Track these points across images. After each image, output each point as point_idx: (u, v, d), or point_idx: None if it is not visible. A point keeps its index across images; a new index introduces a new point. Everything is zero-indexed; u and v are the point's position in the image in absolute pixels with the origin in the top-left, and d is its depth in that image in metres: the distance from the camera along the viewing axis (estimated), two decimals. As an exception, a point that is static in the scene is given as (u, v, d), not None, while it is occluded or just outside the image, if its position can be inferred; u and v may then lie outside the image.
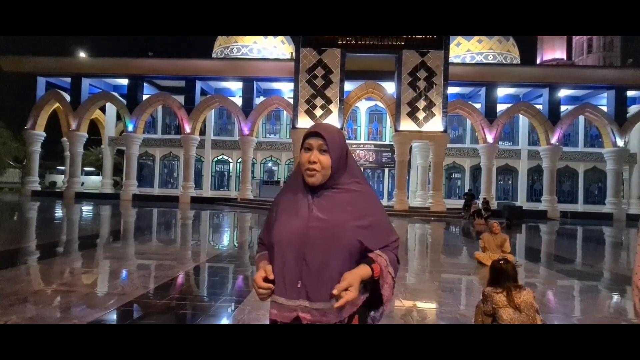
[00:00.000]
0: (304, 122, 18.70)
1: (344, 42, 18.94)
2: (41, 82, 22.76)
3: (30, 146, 22.79)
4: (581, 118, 22.58)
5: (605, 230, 14.83)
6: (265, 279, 1.16)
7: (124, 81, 22.72)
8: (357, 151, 23.88)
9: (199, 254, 7.04)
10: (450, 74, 18.95)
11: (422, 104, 18.65)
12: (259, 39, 25.72)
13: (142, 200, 21.62)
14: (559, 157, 21.00)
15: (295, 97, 19.05)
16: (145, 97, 22.53)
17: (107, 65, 22.32)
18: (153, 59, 22.54)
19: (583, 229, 14.81)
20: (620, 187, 22.46)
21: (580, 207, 23.50)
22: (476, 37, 25.80)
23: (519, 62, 27.04)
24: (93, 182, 30.51)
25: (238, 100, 22.19)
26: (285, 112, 23.95)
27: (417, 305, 4.11)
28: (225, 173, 25.95)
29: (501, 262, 2.68)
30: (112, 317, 3.41)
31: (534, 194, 24.18)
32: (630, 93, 21.12)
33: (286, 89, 22.57)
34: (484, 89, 21.12)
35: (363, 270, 1.13)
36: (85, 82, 22.59)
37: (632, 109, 21.86)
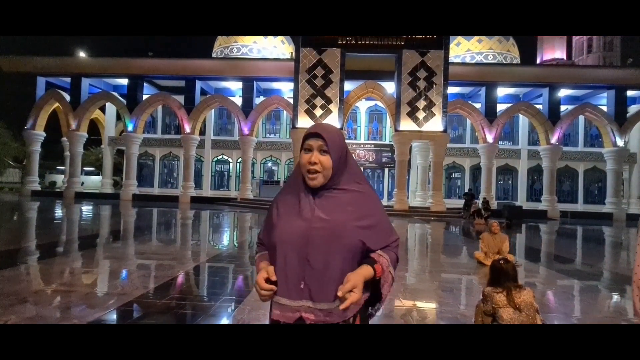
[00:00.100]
0: (304, 122, 18.70)
1: (344, 42, 18.94)
2: (41, 82, 22.75)
3: (30, 146, 22.78)
4: (581, 118, 22.58)
5: (605, 230, 14.83)
6: (268, 280, 1.15)
7: (124, 81, 22.71)
8: (357, 151, 23.88)
9: (199, 253, 7.04)
10: (450, 73, 18.95)
11: (422, 103, 18.65)
12: (259, 38, 25.71)
13: (142, 200, 21.62)
14: (559, 157, 21.01)
15: (295, 97, 19.05)
16: (145, 97, 22.53)
17: (107, 65, 22.32)
18: (153, 59, 22.54)
19: (583, 229, 14.81)
20: (620, 187, 22.46)
21: (580, 206, 23.50)
22: (476, 37, 25.80)
23: (519, 62, 27.04)
24: (93, 182, 30.51)
25: (238, 100, 22.19)
26: (285, 112, 23.95)
27: (417, 305, 4.11)
28: (225, 173, 25.95)
29: (501, 261, 2.68)
30: (112, 317, 3.42)
31: (534, 193, 24.18)
32: (630, 93, 21.12)
33: (286, 88, 22.56)
34: (484, 89, 21.13)
35: (366, 271, 1.14)
36: (85, 82, 22.59)
37: (632, 109, 21.86)
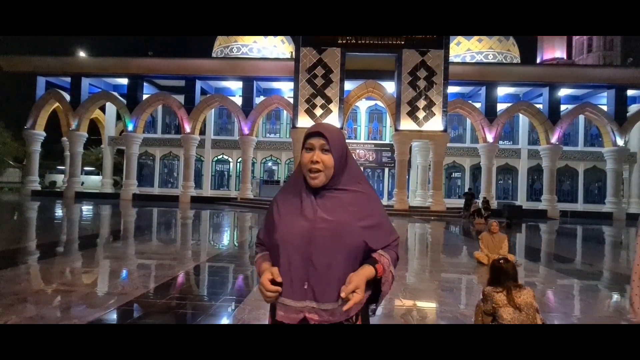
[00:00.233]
0: (304, 122, 18.70)
1: (344, 42, 18.93)
2: (41, 81, 22.75)
3: (30, 146, 22.78)
4: (581, 117, 22.57)
5: (605, 230, 14.83)
6: (272, 281, 1.15)
7: (124, 81, 22.71)
8: (357, 151, 23.88)
9: (199, 253, 7.04)
10: (450, 73, 18.94)
11: (422, 103, 18.64)
12: (259, 38, 25.69)
13: (142, 199, 21.62)
14: (559, 157, 21.00)
15: (295, 97, 19.04)
16: (145, 96, 22.53)
17: (107, 65, 22.31)
18: (153, 59, 22.53)
19: (583, 229, 14.82)
20: (620, 187, 22.46)
21: (580, 206, 23.50)
22: (476, 37, 25.78)
23: (519, 62, 27.02)
24: (93, 182, 30.52)
25: (238, 100, 22.18)
26: (285, 112, 23.95)
27: (417, 304, 4.11)
28: (225, 172, 25.95)
29: (501, 261, 2.68)
30: (112, 316, 3.42)
31: (534, 193, 24.18)
32: (630, 92, 21.12)
33: (286, 88, 22.56)
34: (484, 88, 21.12)
35: (368, 271, 1.14)
36: (85, 82, 22.59)
37: (632, 108, 21.86)
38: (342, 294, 1.07)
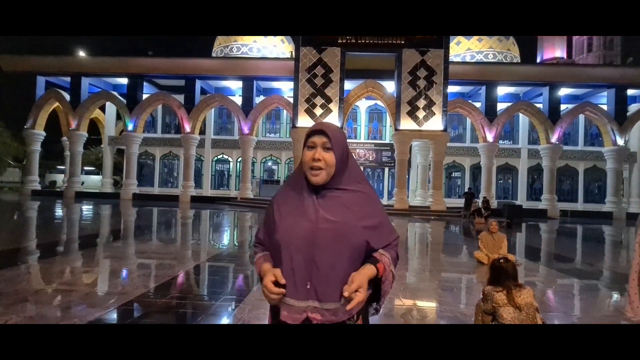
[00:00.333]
0: (304, 121, 18.70)
1: (343, 41, 18.92)
2: (41, 81, 22.75)
3: (30, 145, 22.78)
4: (581, 117, 22.57)
5: (605, 229, 14.83)
6: (276, 283, 1.15)
7: (124, 80, 22.70)
8: (357, 150, 23.87)
9: (199, 253, 7.04)
10: (450, 72, 18.93)
11: (422, 102, 18.64)
12: (259, 38, 25.67)
13: (142, 199, 21.63)
14: (559, 156, 21.01)
15: (295, 96, 19.04)
16: (145, 96, 22.52)
17: (107, 65, 22.31)
18: (153, 58, 22.53)
19: (583, 228, 14.82)
20: (620, 186, 22.46)
21: (580, 205, 23.50)
22: (476, 36, 25.77)
23: (519, 61, 27.01)
24: (93, 182, 30.53)
25: (238, 100, 22.18)
26: (285, 111, 23.94)
27: (417, 304, 4.11)
28: (225, 172, 25.96)
29: (501, 260, 2.68)
30: (113, 316, 3.42)
31: (534, 192, 24.18)
32: (630, 92, 21.12)
33: (286, 88, 22.55)
34: (484, 88, 21.12)
35: (370, 270, 1.15)
36: (85, 82, 22.58)
37: (632, 108, 21.85)
38: (345, 294, 1.08)
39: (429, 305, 4.17)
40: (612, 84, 20.66)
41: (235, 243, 8.68)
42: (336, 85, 18.80)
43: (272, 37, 25.88)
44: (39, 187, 23.68)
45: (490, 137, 20.35)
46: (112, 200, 20.86)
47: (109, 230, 9.86)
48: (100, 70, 22.50)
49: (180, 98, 21.79)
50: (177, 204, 20.03)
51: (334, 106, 18.77)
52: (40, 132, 22.59)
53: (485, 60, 25.77)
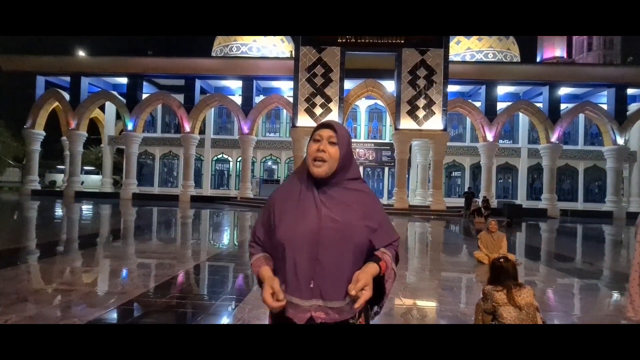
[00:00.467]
0: (304, 121, 18.69)
1: (343, 41, 18.90)
2: (40, 81, 22.73)
3: (29, 145, 22.77)
4: (581, 116, 22.56)
5: (605, 229, 14.84)
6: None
7: (124, 80, 22.69)
8: (357, 150, 23.86)
9: (199, 252, 7.04)
10: (450, 72, 18.92)
11: (422, 102, 18.63)
12: (259, 37, 25.65)
13: (142, 199, 21.62)
14: (559, 156, 21.00)
15: (295, 96, 19.03)
16: (144, 96, 22.51)
17: (107, 64, 22.30)
18: (152, 58, 22.52)
19: (583, 227, 14.82)
20: (620, 186, 22.46)
21: (580, 205, 23.50)
22: (476, 36, 25.76)
23: (519, 60, 27.01)
24: (93, 181, 30.53)
25: (238, 99, 22.16)
26: (285, 111, 23.93)
27: (417, 303, 4.11)
28: (225, 172, 25.95)
29: (501, 260, 2.68)
30: (113, 315, 3.42)
31: (534, 192, 24.18)
32: (630, 91, 21.10)
33: (286, 87, 22.54)
34: (484, 87, 21.11)
35: (373, 268, 1.15)
36: (85, 81, 22.57)
37: (632, 107, 21.84)
38: (353, 292, 1.08)
39: (429, 305, 4.17)
40: (612, 83, 20.65)
41: (235, 243, 8.68)
42: (336, 85, 18.79)
43: (271, 36, 25.88)
44: (38, 187, 23.67)
45: (490, 136, 20.35)
46: (111, 200, 20.85)
47: (109, 230, 9.86)
48: (99, 70, 22.49)
49: (180, 98, 21.77)
50: (177, 203, 20.03)
51: (333, 106, 18.76)
52: (40, 132, 22.57)
53: (485, 59, 25.77)
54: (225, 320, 3.42)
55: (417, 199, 21.91)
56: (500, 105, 21.55)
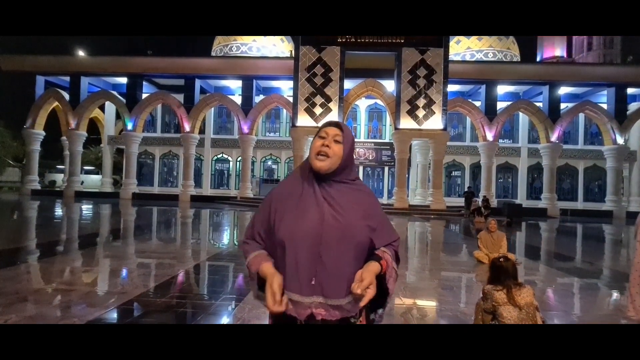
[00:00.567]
0: (304, 121, 18.69)
1: (343, 40, 18.89)
2: (40, 81, 22.73)
3: (29, 145, 22.77)
4: (581, 116, 22.56)
5: (605, 228, 14.84)
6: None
7: (123, 80, 22.68)
8: (357, 149, 23.86)
9: (199, 252, 7.04)
10: (450, 71, 18.92)
11: (422, 101, 18.63)
12: (258, 37, 25.65)
13: (142, 198, 21.62)
14: (559, 155, 21.00)
15: (295, 96, 19.02)
16: (144, 95, 22.50)
17: (106, 64, 22.29)
18: (152, 58, 22.50)
19: (583, 227, 14.82)
20: (620, 185, 22.46)
21: (580, 204, 23.50)
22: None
23: (519, 60, 27.02)
24: (93, 181, 30.56)
25: (237, 99, 22.16)
26: (284, 111, 23.92)
27: (417, 303, 4.11)
28: (225, 171, 25.96)
29: (501, 259, 2.68)
30: (113, 315, 3.42)
31: (534, 191, 24.19)
32: (630, 90, 21.10)
33: (286, 87, 22.54)
34: (483, 87, 21.10)
35: (375, 267, 1.16)
36: (85, 81, 22.56)
37: (632, 107, 21.83)
38: (358, 290, 1.08)
39: (429, 305, 4.17)
40: (612, 82, 20.64)
41: (235, 242, 8.68)
42: (336, 85, 18.78)
43: (271, 36, 25.87)
44: (38, 187, 23.67)
45: (490, 136, 20.35)
46: (111, 199, 20.85)
47: (109, 230, 9.86)
48: (99, 70, 22.48)
49: (180, 97, 21.77)
50: (177, 203, 20.03)
51: (333, 105, 18.76)
52: (39, 132, 22.57)
53: (485, 59, 25.77)
54: (225, 320, 3.42)
55: (417, 198, 21.91)
56: (500, 105, 21.54)
